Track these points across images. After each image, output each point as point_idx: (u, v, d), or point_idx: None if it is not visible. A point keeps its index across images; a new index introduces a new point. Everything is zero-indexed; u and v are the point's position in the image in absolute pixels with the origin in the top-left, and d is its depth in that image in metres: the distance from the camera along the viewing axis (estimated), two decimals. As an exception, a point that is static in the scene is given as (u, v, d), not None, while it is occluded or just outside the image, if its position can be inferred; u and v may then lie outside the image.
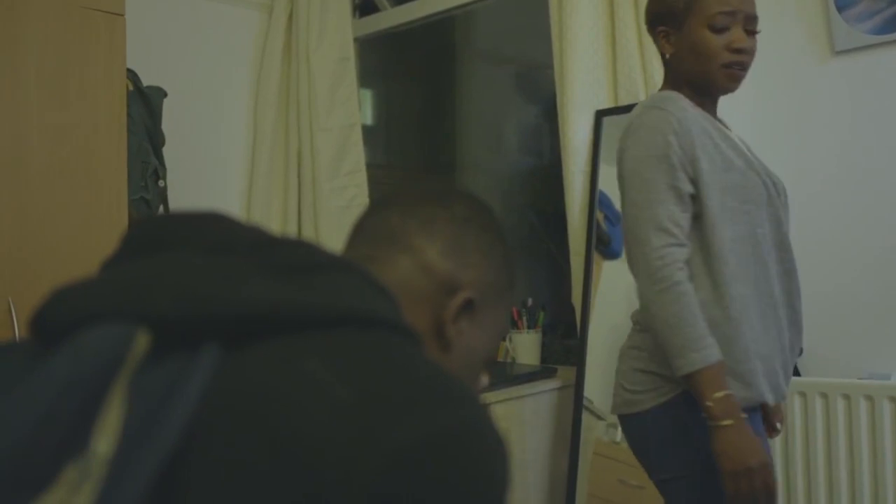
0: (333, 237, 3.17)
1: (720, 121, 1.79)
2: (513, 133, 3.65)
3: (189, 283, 0.65)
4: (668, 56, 1.74)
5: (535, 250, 3.42)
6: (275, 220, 3.30)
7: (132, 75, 2.61)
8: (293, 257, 0.71)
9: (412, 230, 0.86)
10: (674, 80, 1.74)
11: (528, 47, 3.44)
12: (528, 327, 2.92)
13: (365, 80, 3.76)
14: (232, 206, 3.29)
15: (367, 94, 3.88)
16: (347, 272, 0.72)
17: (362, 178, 3.34)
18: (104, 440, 0.55)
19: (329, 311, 0.67)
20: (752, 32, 1.69)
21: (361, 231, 0.91)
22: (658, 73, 2.41)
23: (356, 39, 3.54)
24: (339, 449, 0.57)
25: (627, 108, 2.46)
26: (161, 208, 2.69)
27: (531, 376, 2.67)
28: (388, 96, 4.06)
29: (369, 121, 3.86)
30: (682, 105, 1.65)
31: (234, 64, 3.37)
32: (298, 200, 3.32)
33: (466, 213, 0.89)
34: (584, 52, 2.55)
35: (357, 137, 3.37)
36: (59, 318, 0.65)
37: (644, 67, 2.47)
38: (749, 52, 1.67)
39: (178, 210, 0.76)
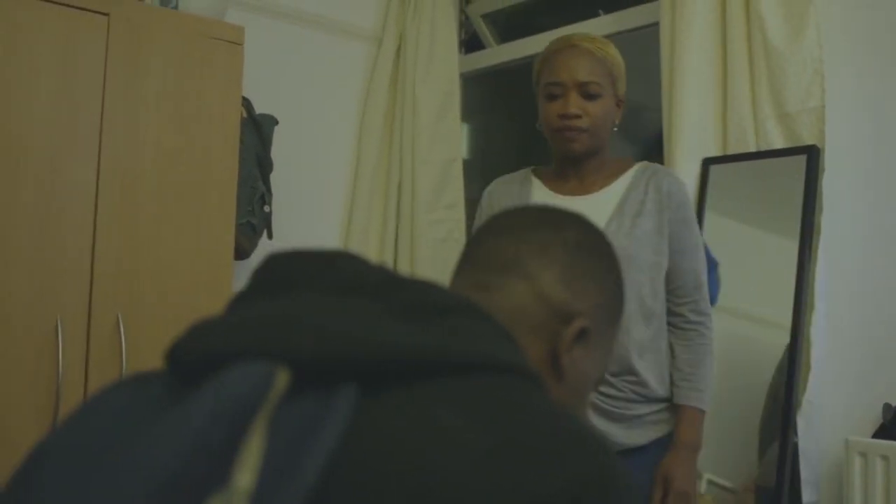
0: (428, 269, 3.18)
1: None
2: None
3: (327, 324, 0.66)
4: (539, 130, 1.92)
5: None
6: (371, 249, 3.34)
7: (246, 103, 2.68)
8: (420, 299, 0.72)
9: (527, 257, 0.86)
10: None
11: (630, 88, 3.43)
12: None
13: (465, 114, 3.78)
14: (331, 233, 3.33)
15: (467, 129, 3.91)
16: (473, 316, 0.72)
17: (460, 212, 3.36)
18: (246, 474, 0.56)
19: (461, 357, 0.67)
20: (591, 96, 1.80)
21: (474, 258, 0.91)
22: (771, 122, 2.38)
23: (460, 75, 3.57)
24: (477, 500, 0.57)
25: (737, 158, 2.43)
26: (265, 233, 2.75)
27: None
28: (488, 132, 4.08)
29: (468, 155, 3.88)
30: (496, 187, 2.01)
31: (342, 94, 3.43)
32: (396, 231, 3.35)
33: (580, 239, 0.89)
34: (694, 97, 2.52)
35: (458, 171, 3.39)
36: (201, 354, 0.67)
37: (755, 116, 2.43)
38: (584, 115, 1.80)
39: (306, 248, 0.77)
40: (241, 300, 0.76)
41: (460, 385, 0.65)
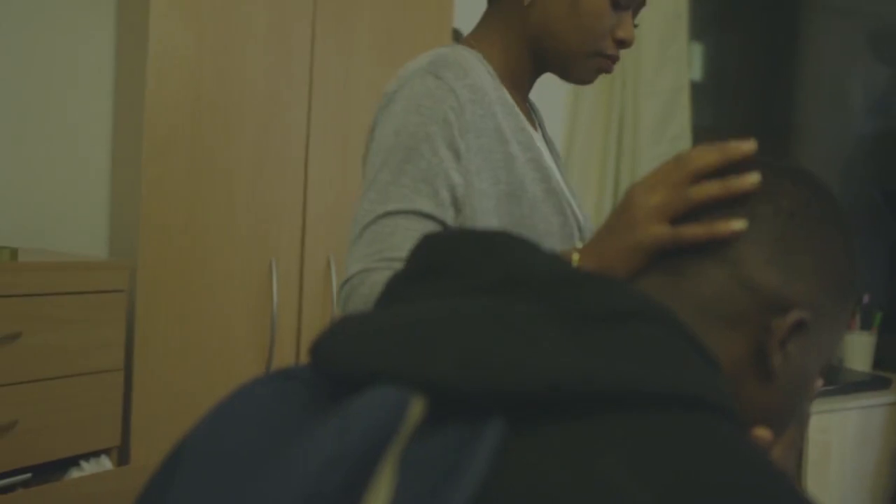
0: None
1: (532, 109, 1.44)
2: (860, 97, 3.27)
3: (472, 342, 0.56)
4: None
5: (877, 235, 3.05)
6: (591, 187, 3.19)
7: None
8: (594, 301, 0.59)
9: None
10: (508, 30, 1.29)
11: (885, 2, 3.05)
12: (862, 328, 2.61)
13: (695, 32, 3.50)
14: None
15: (697, 49, 3.63)
16: (659, 324, 0.60)
17: (688, 144, 3.15)
18: None
19: (640, 387, 0.55)
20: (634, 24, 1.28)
21: None
22: None
23: (691, -8, 3.31)
24: None
25: None
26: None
27: (861, 386, 2.39)
28: (720, 51, 3.78)
29: (698, 77, 3.62)
30: (474, 80, 1.20)
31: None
32: (616, 169, 3.18)
33: (794, 205, 0.72)
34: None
35: (685, 100, 3.17)
36: (335, 366, 0.59)
37: None
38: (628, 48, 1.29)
39: (465, 230, 0.67)
40: (394, 288, 0.68)
41: (635, 425, 0.54)
